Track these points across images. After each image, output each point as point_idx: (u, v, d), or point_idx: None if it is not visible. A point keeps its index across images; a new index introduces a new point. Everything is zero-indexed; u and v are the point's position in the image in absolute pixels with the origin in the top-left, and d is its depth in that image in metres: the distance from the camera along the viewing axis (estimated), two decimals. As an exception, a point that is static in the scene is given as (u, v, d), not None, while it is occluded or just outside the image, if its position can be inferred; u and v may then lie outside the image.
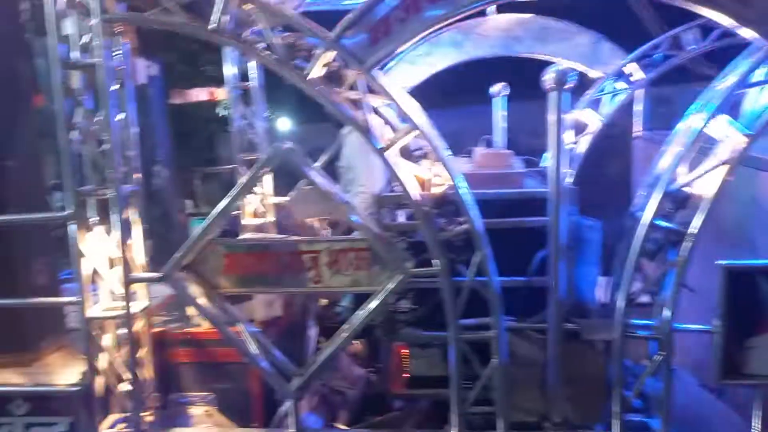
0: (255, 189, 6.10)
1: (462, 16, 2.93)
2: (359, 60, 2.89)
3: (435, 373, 3.63)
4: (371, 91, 2.98)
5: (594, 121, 5.91)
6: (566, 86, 2.87)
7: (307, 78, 2.92)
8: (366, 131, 2.95)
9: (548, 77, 2.88)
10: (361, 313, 3.15)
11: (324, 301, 5.11)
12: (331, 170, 5.51)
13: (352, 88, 3.05)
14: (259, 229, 5.02)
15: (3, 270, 3.43)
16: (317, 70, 2.94)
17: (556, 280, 3.03)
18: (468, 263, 3.11)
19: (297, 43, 2.98)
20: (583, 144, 5.84)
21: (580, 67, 5.95)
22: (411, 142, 3.05)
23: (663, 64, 5.64)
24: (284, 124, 11.65)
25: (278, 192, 6.18)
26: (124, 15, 2.97)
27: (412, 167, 3.13)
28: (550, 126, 2.92)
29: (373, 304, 3.10)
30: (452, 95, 6.89)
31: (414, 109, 2.97)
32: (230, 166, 6.21)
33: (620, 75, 5.82)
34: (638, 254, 2.91)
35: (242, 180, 3.12)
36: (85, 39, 3.07)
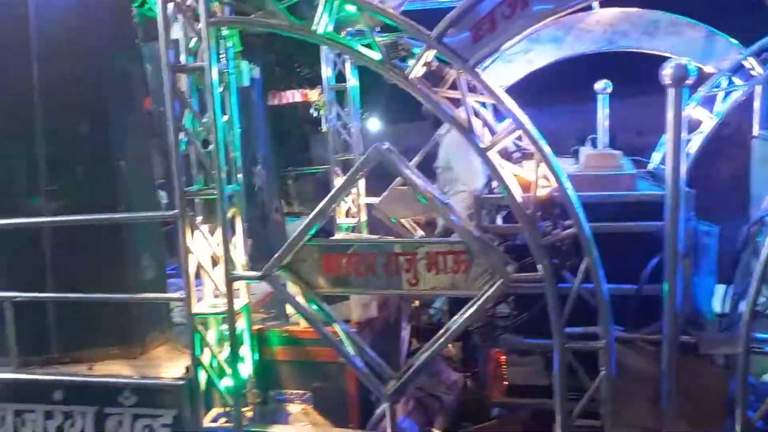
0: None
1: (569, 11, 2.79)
2: (462, 58, 2.82)
3: (535, 381, 3.51)
4: (471, 90, 2.90)
5: (707, 119, 5.54)
6: (686, 82, 2.67)
7: (409, 77, 2.87)
8: (468, 131, 2.86)
9: (667, 72, 2.69)
10: (460, 317, 3.09)
11: (416, 303, 5.06)
12: (424, 170, 5.46)
13: (452, 86, 2.98)
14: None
15: (114, 265, 3.60)
16: (418, 70, 2.89)
17: (673, 289, 2.82)
18: (573, 269, 2.98)
19: (397, 43, 2.94)
20: (695, 144, 5.47)
21: (693, 63, 5.61)
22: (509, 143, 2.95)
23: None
24: (375, 124, 11.72)
25: (370, 193, 6.22)
26: (230, 18, 3.03)
27: (514, 168, 3.02)
28: (669, 124, 2.73)
29: (471, 308, 3.02)
30: (544, 93, 6.68)
31: (517, 109, 2.86)
32: (324, 167, 6.29)
33: (736, 70, 5.42)
34: (765, 263, 2.67)
35: (342, 180, 3.10)
36: (192, 43, 3.18)
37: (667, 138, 2.75)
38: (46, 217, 3.43)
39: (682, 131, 2.72)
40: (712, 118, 5.52)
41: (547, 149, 2.83)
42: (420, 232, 5.91)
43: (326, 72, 5.87)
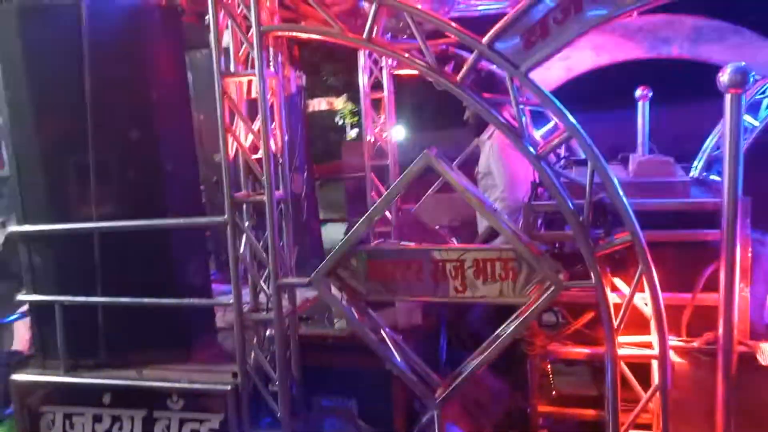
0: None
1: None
2: (513, 65, 2.80)
3: (583, 391, 3.46)
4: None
5: (752, 126, 5.45)
6: (745, 87, 2.62)
7: (460, 84, 2.87)
8: (520, 137, 2.84)
9: (725, 77, 2.65)
10: (509, 326, 3.06)
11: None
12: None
13: (501, 92, 2.97)
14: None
15: (162, 270, 3.64)
16: (469, 76, 2.88)
17: (730, 298, 2.77)
18: (624, 276, 2.94)
19: (446, 49, 2.94)
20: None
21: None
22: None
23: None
24: (400, 132, 11.81)
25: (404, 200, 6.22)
26: (282, 26, 3.06)
27: (569, 174, 3.00)
28: (726, 130, 2.69)
29: (522, 316, 2.99)
30: (581, 100, 6.62)
31: (570, 115, 2.83)
32: (359, 174, 6.31)
33: (783, 75, 5.33)
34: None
35: (392, 186, 3.09)
36: (241, 51, 3.22)
37: (725, 144, 2.70)
38: (95, 222, 3.48)
39: (741, 137, 2.67)
40: (757, 125, 5.45)
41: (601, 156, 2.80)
42: (454, 240, 5.91)
43: (363, 80, 5.92)
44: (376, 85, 6.00)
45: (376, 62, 5.91)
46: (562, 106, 2.83)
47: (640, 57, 5.68)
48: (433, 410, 3.13)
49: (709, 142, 5.37)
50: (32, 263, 3.59)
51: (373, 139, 6.05)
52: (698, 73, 6.07)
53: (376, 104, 6.06)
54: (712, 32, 5.48)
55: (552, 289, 2.88)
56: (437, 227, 5.76)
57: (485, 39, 2.80)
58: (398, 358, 3.19)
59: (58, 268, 3.57)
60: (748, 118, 5.50)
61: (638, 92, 5.48)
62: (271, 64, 3.26)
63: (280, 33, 3.09)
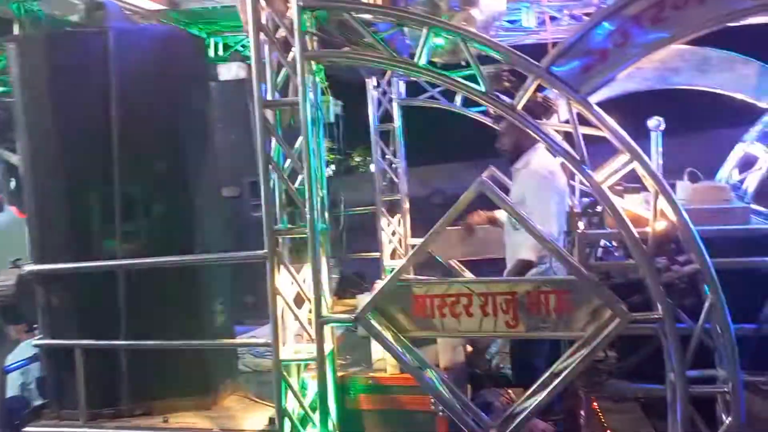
0: (394, 230, 6.08)
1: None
2: (572, 89, 2.72)
3: (638, 429, 3.31)
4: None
5: (764, 156, 5.48)
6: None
7: (517, 109, 2.77)
8: (580, 163, 2.75)
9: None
10: (568, 362, 2.92)
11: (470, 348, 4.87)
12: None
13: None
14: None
15: (188, 310, 3.43)
16: (524, 101, 2.79)
17: (802, 328, 2.67)
18: (687, 308, 2.83)
19: (500, 74, 2.85)
20: (753, 181, 5.40)
21: (747, 99, 5.57)
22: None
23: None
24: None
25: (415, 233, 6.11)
26: (327, 52, 2.95)
27: (623, 202, 2.90)
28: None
29: (584, 351, 2.85)
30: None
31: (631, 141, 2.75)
32: (371, 207, 6.19)
33: (792, 105, 5.39)
34: None
35: (444, 217, 2.96)
36: (279, 77, 3.09)
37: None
38: (121, 259, 3.27)
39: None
40: (769, 155, 5.47)
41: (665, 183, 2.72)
42: (468, 273, 5.77)
43: (372, 112, 5.85)
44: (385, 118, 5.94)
45: (385, 93, 5.85)
46: (623, 132, 2.75)
47: (652, 88, 5.71)
48: (489, 453, 2.95)
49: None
50: (50, 305, 3.35)
51: (384, 172, 5.94)
52: (703, 103, 6.16)
53: (385, 136, 5.98)
54: (722, 63, 5.54)
55: (617, 322, 2.76)
56: (454, 262, 5.63)
57: (543, 62, 2.73)
58: (448, 398, 3.02)
59: (79, 308, 3.34)
60: (760, 148, 5.53)
61: (652, 123, 5.47)
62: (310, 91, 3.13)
63: (324, 59, 2.97)
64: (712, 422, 2.87)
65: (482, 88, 2.79)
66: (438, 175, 9.73)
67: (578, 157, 2.75)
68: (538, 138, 2.82)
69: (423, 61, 2.80)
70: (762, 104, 5.50)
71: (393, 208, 6.00)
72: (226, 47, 6.09)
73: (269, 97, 2.99)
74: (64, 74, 3.22)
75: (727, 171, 5.57)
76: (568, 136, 2.88)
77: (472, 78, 2.88)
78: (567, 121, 2.84)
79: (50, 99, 3.22)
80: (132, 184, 3.29)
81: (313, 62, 3.00)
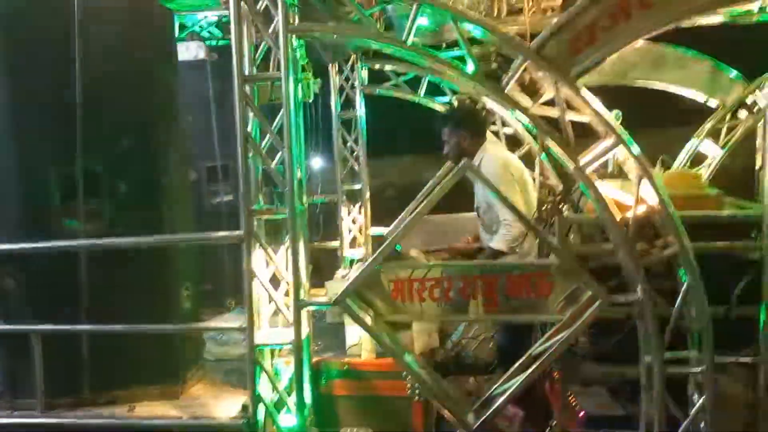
0: (352, 219, 6.02)
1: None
2: (561, 71, 2.73)
3: (608, 411, 3.36)
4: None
5: (714, 152, 5.68)
6: (789, 100, 2.66)
7: (505, 91, 2.76)
8: (567, 145, 2.76)
9: (765, 92, 2.67)
10: (547, 345, 2.93)
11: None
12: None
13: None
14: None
15: (154, 295, 3.28)
16: (513, 83, 2.78)
17: (772, 310, 2.76)
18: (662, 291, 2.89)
19: (488, 55, 2.84)
20: (704, 176, 5.59)
21: (699, 96, 5.77)
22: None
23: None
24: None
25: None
26: (312, 26, 2.85)
27: (603, 186, 2.93)
28: (765, 146, 2.71)
29: (563, 334, 2.87)
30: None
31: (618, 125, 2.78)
32: (331, 195, 6.09)
33: (741, 105, 5.60)
34: None
35: (423, 201, 2.92)
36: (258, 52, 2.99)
37: (764, 158, 2.72)
38: (82, 239, 3.09)
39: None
40: (718, 151, 5.68)
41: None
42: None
43: (334, 98, 5.75)
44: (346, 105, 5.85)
45: (348, 79, 5.77)
46: (609, 114, 2.78)
47: (611, 83, 5.82)
48: (466, 437, 2.93)
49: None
50: (3, 288, 3.13)
51: (345, 160, 5.86)
52: (659, 99, 6.33)
53: (347, 124, 5.90)
54: (676, 60, 5.70)
55: (597, 304, 2.79)
56: (416, 252, 5.61)
57: (533, 44, 2.72)
58: (427, 382, 2.99)
59: (36, 293, 3.13)
60: (710, 145, 5.74)
61: (611, 116, 5.59)
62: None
63: (308, 34, 2.88)
64: (682, 403, 2.95)
65: (471, 70, 2.76)
66: (391, 169, 9.67)
67: (565, 138, 2.76)
68: (522, 121, 2.80)
69: (411, 40, 2.75)
70: (713, 102, 5.71)
71: (353, 198, 5.93)
72: (182, 27, 5.87)
73: (248, 72, 2.87)
74: (25, 44, 3.02)
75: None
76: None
77: (458, 60, 2.85)
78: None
79: (6, 70, 3.01)
80: (96, 160, 3.11)
81: (294, 37, 2.90)
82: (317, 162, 6.76)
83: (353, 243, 5.92)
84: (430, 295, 3.00)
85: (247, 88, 2.92)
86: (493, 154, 4.19)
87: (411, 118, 6.88)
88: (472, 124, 4.13)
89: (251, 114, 2.93)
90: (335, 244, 5.92)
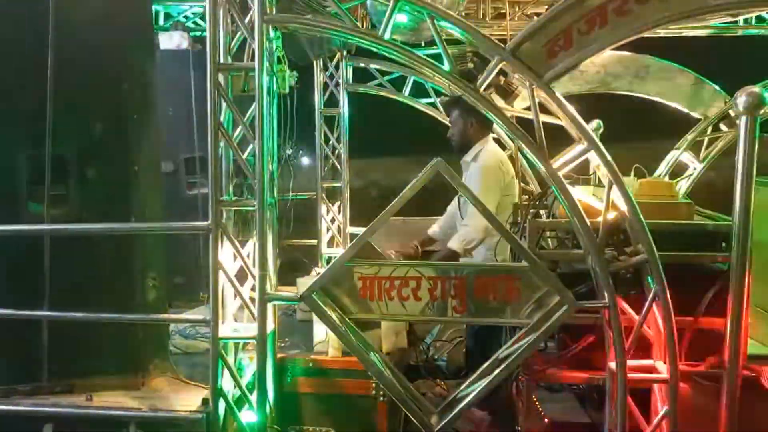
0: (334, 217, 5.98)
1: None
2: (536, 74, 2.72)
3: (574, 418, 3.36)
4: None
5: (695, 164, 5.72)
6: (760, 110, 2.66)
7: (480, 91, 2.74)
8: (539, 148, 2.74)
9: (740, 100, 2.67)
10: (513, 348, 2.92)
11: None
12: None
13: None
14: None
15: (118, 283, 3.23)
16: (488, 83, 2.76)
17: (738, 322, 2.76)
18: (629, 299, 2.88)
19: (465, 55, 2.82)
20: (683, 187, 5.62)
21: (681, 108, 5.80)
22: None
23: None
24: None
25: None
26: (288, 17, 2.82)
27: (573, 192, 2.92)
28: (739, 153, 2.71)
29: (529, 338, 2.85)
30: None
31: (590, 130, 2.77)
32: (310, 193, 6.05)
33: (723, 118, 5.65)
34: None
35: (400, 196, 2.89)
36: (234, 42, 2.96)
37: (738, 166, 2.72)
38: (47, 224, 3.04)
39: (754, 160, 2.69)
40: (699, 163, 5.72)
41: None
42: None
43: (317, 96, 5.72)
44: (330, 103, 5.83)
45: (332, 76, 5.74)
46: (581, 119, 2.77)
47: (593, 91, 5.85)
48: (429, 439, 2.91)
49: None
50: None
51: (326, 158, 5.83)
52: (641, 110, 6.36)
53: (329, 122, 5.87)
54: (659, 71, 5.74)
55: (564, 308, 2.78)
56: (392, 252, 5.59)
57: (508, 45, 2.71)
58: (391, 382, 2.96)
59: (-3, 276, 3.08)
60: (689, 158, 5.77)
61: (592, 125, 5.61)
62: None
63: (283, 25, 2.84)
64: (645, 411, 2.94)
65: (446, 68, 2.74)
66: (376, 170, 9.65)
67: (537, 141, 2.74)
68: (495, 121, 2.79)
69: (388, 35, 2.72)
70: (695, 114, 5.75)
71: (333, 196, 5.90)
72: (167, 16, 5.82)
73: (223, 61, 2.83)
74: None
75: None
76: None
77: (435, 58, 2.83)
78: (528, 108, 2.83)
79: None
80: (65, 145, 3.05)
81: (271, 28, 2.86)
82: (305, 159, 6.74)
83: (332, 241, 5.89)
84: (398, 294, 2.98)
85: (221, 77, 2.90)
86: (492, 151, 4.20)
87: (398, 119, 6.87)
88: (482, 113, 4.12)
89: (224, 104, 2.90)
90: (314, 241, 5.90)
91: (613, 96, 5.98)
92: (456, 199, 4.39)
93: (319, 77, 5.69)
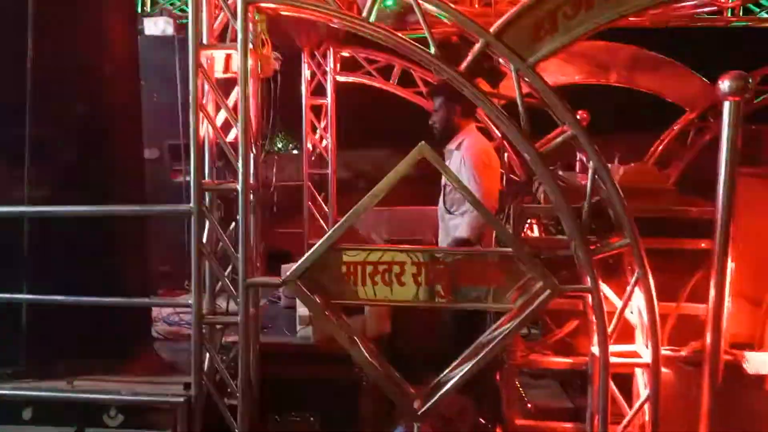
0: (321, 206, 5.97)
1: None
2: (520, 57, 2.71)
3: (557, 404, 3.38)
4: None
5: (681, 153, 5.74)
6: (745, 94, 2.66)
7: (463, 73, 2.73)
8: (524, 134, 2.73)
9: (725, 84, 2.67)
10: (496, 333, 2.92)
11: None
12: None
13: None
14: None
15: (100, 267, 3.20)
16: (472, 66, 2.75)
17: (719, 307, 2.77)
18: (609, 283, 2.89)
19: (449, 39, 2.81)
20: (670, 177, 5.64)
21: (668, 99, 5.82)
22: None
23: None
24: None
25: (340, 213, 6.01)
26: (270, -2, 2.79)
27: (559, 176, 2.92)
28: (723, 139, 2.71)
29: (512, 323, 2.85)
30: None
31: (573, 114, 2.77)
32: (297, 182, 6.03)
33: (710, 109, 5.66)
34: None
35: (384, 180, 2.88)
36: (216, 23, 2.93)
37: (721, 152, 2.72)
38: (27, 206, 3.00)
39: (737, 146, 2.69)
40: (686, 153, 5.74)
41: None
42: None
43: (304, 84, 5.70)
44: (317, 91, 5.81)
45: (319, 65, 5.71)
46: (566, 104, 2.76)
47: (581, 81, 5.85)
48: (412, 424, 2.91)
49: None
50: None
51: (311, 147, 5.81)
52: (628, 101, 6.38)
53: (317, 111, 5.85)
54: (648, 63, 5.75)
55: (547, 293, 2.78)
56: (377, 238, 5.58)
57: (493, 28, 2.69)
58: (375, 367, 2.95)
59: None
60: (678, 146, 5.79)
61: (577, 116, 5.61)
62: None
63: (267, 5, 2.82)
64: (628, 396, 2.95)
65: (431, 51, 2.73)
66: (365, 161, 9.60)
67: (521, 126, 2.73)
68: (480, 105, 2.77)
69: (373, 18, 2.70)
70: (682, 104, 5.77)
71: (320, 185, 5.89)
72: (153, 2, 5.78)
73: (206, 42, 2.80)
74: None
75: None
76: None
77: (420, 43, 2.81)
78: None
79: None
80: (46, 126, 3.02)
81: (254, 9, 2.84)
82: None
83: (319, 231, 5.88)
84: (382, 279, 2.97)
85: (204, 59, 2.87)
86: (477, 138, 4.19)
87: (388, 111, 6.85)
88: (466, 99, 4.12)
89: (207, 86, 2.87)
90: (300, 230, 5.88)
91: (602, 87, 5.99)
92: (443, 187, 4.37)
93: (306, 66, 5.67)
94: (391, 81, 5.82)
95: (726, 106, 2.69)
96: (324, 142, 5.88)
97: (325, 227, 5.89)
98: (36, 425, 2.98)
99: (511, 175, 5.13)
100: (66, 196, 3.03)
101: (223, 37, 3.02)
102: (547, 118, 2.90)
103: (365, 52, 5.74)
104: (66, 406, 3.01)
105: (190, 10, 2.75)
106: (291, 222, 6.33)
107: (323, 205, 5.92)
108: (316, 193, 5.91)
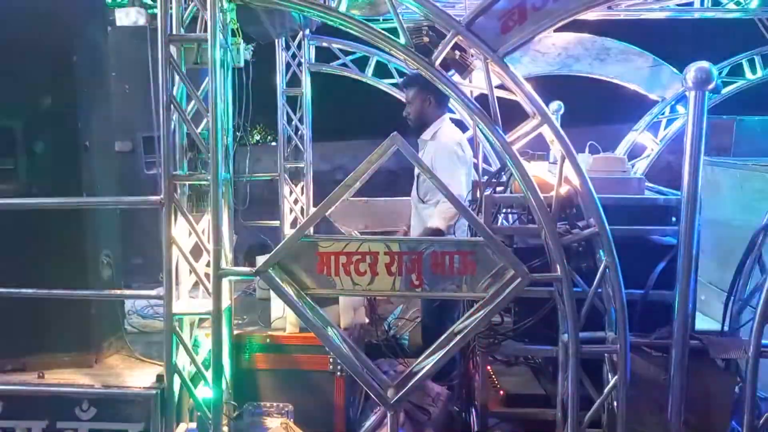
0: (296, 199, 5.95)
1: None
2: (490, 48, 2.73)
3: (530, 390, 3.42)
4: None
5: (652, 145, 5.83)
6: (709, 86, 2.71)
7: (436, 65, 2.74)
8: (494, 123, 2.76)
9: (690, 75, 2.72)
10: (468, 321, 2.95)
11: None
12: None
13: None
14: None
15: (70, 261, 3.17)
16: (443, 57, 2.76)
17: (686, 293, 2.82)
18: (581, 271, 2.93)
19: (420, 29, 2.81)
20: (641, 167, 5.73)
21: (639, 90, 5.89)
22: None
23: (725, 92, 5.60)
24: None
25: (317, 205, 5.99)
26: (242, -12, 2.77)
27: (528, 168, 2.94)
28: (688, 128, 2.76)
29: (484, 311, 2.88)
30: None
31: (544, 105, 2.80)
32: (273, 174, 5.99)
33: (680, 100, 5.75)
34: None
35: (357, 169, 2.89)
36: (186, 13, 2.90)
37: (686, 141, 2.77)
38: (-5, 199, 2.96)
39: (702, 135, 2.74)
40: (657, 144, 5.83)
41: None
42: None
43: (279, 75, 5.66)
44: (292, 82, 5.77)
45: (294, 56, 5.68)
46: (535, 94, 2.79)
47: (554, 73, 5.90)
48: (385, 412, 2.94)
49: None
50: None
51: (289, 139, 5.78)
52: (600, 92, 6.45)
53: (292, 102, 5.82)
54: (619, 53, 5.82)
55: (518, 281, 2.81)
56: (355, 232, 5.59)
57: (463, 19, 2.71)
58: (349, 357, 2.97)
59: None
60: (649, 138, 5.88)
61: (552, 106, 5.67)
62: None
63: (238, -3, 2.80)
64: (598, 383, 3.00)
65: (402, 41, 2.74)
66: (342, 153, 9.60)
67: (491, 116, 2.76)
68: (451, 95, 2.79)
69: (343, 8, 2.70)
70: (653, 96, 5.85)
71: (296, 177, 5.86)
72: (125, -7, 5.68)
73: (175, 32, 2.78)
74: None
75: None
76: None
77: (391, 32, 2.82)
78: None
79: None
80: (11, 117, 2.97)
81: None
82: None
83: (294, 223, 5.86)
84: (355, 269, 2.98)
85: (173, 49, 2.85)
86: (450, 129, 4.22)
87: (365, 102, 6.84)
88: (438, 89, 4.15)
89: (177, 77, 2.85)
90: (276, 222, 5.86)
91: (574, 78, 6.04)
92: (416, 177, 4.40)
93: (280, 56, 5.63)
94: (366, 72, 5.80)
95: (691, 96, 2.74)
96: (299, 133, 5.85)
97: (301, 219, 5.87)
98: (6, 419, 2.95)
99: (484, 165, 5.17)
100: (35, 189, 3.01)
101: (193, 28, 2.99)
102: (519, 109, 2.94)
103: (339, 44, 5.72)
104: (37, 400, 2.98)
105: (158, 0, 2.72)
106: (267, 214, 6.31)
107: (300, 198, 5.89)
108: (293, 185, 5.87)
